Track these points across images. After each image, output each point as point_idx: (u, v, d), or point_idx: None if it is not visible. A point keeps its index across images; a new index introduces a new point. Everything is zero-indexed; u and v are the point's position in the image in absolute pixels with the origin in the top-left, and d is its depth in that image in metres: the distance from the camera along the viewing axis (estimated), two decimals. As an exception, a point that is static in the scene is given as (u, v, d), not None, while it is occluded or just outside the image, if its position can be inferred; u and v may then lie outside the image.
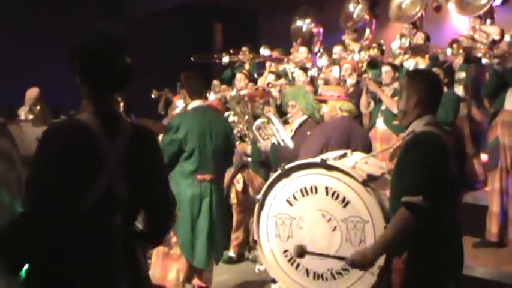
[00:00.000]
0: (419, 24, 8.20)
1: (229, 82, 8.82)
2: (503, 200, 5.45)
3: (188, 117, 4.47)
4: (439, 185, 2.72)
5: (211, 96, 8.00)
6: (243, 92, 6.20)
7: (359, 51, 7.38)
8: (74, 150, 2.00)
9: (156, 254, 4.52)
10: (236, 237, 6.23)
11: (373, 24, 8.32)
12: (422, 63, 7.00)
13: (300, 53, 8.38)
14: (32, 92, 6.73)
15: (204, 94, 5.10)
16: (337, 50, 8.01)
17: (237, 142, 5.78)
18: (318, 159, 3.88)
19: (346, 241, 3.69)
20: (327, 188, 3.78)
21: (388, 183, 3.58)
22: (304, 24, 9.29)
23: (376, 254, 2.86)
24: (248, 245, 6.30)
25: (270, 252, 4.06)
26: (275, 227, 4.00)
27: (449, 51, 6.52)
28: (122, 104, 6.93)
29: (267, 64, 8.81)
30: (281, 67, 8.65)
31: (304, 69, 7.69)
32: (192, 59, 9.13)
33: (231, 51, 9.16)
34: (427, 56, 7.22)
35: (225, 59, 9.11)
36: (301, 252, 3.45)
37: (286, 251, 3.97)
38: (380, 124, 6.46)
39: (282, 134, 5.34)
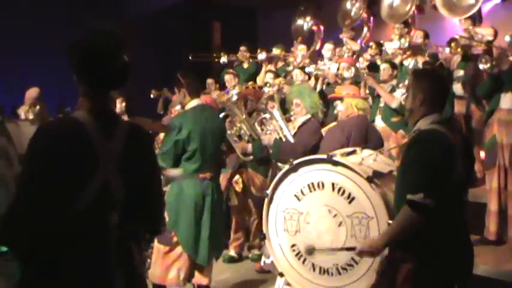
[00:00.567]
0: (412, 22, 8.18)
1: None
2: (502, 199, 5.45)
3: (189, 117, 4.48)
4: (443, 183, 2.73)
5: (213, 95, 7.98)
6: (235, 92, 6.19)
7: (399, 39, 7.26)
8: (66, 146, 1.99)
9: (157, 253, 4.52)
10: (237, 237, 6.25)
11: (371, 23, 8.30)
12: (422, 62, 7.00)
13: (299, 50, 8.36)
14: (32, 92, 6.70)
15: (201, 93, 5.09)
16: (328, 47, 8.04)
17: (236, 142, 5.79)
18: (324, 155, 3.97)
19: (352, 237, 3.78)
20: (333, 184, 3.87)
21: (395, 180, 3.70)
22: (304, 22, 9.28)
23: (382, 245, 2.90)
24: (249, 243, 6.30)
25: (278, 246, 4.17)
26: (283, 221, 4.11)
27: (447, 49, 6.52)
28: (123, 104, 6.90)
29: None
30: (280, 64, 8.65)
31: (302, 68, 7.69)
32: (190, 57, 9.12)
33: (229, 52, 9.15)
34: (426, 54, 7.22)
35: (223, 59, 9.09)
36: (311, 250, 3.50)
37: (294, 245, 4.08)
38: (379, 121, 6.47)
39: (284, 131, 5.37)
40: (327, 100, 6.16)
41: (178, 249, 4.46)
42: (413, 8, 7.66)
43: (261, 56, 8.66)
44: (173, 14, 11.43)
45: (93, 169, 2.03)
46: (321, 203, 3.93)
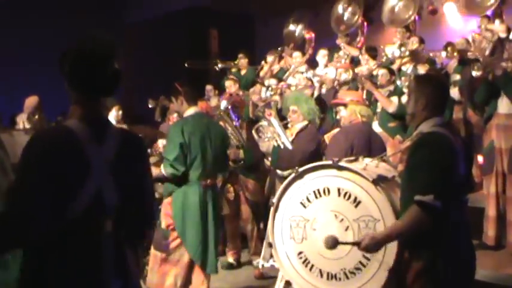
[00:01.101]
0: (413, 28, 8.20)
1: None
2: (500, 204, 5.45)
3: (189, 124, 4.49)
4: (449, 184, 2.80)
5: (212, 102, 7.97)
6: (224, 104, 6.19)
7: (399, 47, 7.29)
8: (59, 155, 1.99)
9: (154, 260, 4.51)
10: (234, 244, 6.26)
11: (364, 28, 8.30)
12: (421, 68, 7.02)
13: (294, 57, 8.36)
14: (31, 101, 6.68)
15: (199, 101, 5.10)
16: (323, 53, 8.06)
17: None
18: (329, 161, 4.02)
19: None
20: (339, 189, 3.90)
21: (399, 185, 3.71)
22: (297, 29, 9.27)
23: (385, 241, 2.96)
24: (252, 251, 6.27)
25: (285, 254, 4.17)
26: (289, 229, 4.12)
27: (443, 54, 6.55)
28: (120, 112, 6.90)
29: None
30: (276, 67, 8.64)
31: (301, 73, 7.70)
32: (186, 65, 9.12)
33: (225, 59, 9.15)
34: (424, 60, 7.24)
35: (220, 66, 9.09)
36: (334, 242, 3.48)
37: (300, 253, 4.08)
38: (376, 127, 6.47)
39: (282, 138, 5.37)
40: (323, 106, 6.16)
41: (176, 256, 4.45)
42: (415, 13, 7.71)
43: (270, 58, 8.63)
44: (170, 22, 11.45)
45: (86, 176, 2.03)
46: (327, 208, 3.94)
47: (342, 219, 3.86)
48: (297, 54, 8.32)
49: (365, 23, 8.24)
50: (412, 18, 7.73)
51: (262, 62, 8.90)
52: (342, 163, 3.94)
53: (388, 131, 6.41)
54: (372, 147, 4.81)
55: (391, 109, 6.41)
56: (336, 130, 5.52)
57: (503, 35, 6.60)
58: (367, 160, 4.17)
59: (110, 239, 2.09)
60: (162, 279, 4.46)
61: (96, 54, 2.09)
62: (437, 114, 2.99)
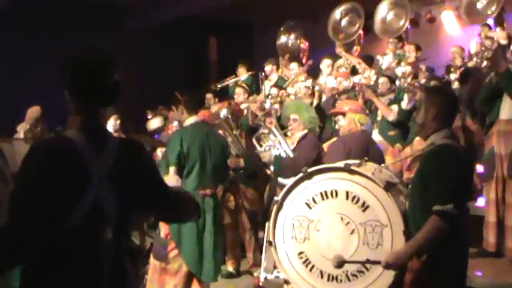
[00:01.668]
0: (405, 36, 8.21)
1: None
2: (500, 210, 5.44)
3: (188, 133, 4.50)
4: (464, 194, 2.95)
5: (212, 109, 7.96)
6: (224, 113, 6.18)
7: (397, 64, 7.29)
8: (58, 165, 1.99)
9: (153, 269, 4.50)
10: (234, 253, 6.24)
11: (361, 37, 8.30)
12: (421, 76, 7.06)
13: (292, 69, 8.34)
14: (33, 112, 6.67)
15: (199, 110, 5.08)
16: (327, 63, 8.06)
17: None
18: (341, 164, 4.02)
19: (363, 244, 3.79)
20: (347, 192, 3.89)
21: (402, 193, 3.86)
22: (289, 39, 9.22)
23: (408, 256, 2.98)
24: (252, 261, 6.25)
25: (285, 254, 4.14)
26: (292, 229, 4.10)
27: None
28: (118, 122, 6.90)
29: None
30: (274, 77, 8.63)
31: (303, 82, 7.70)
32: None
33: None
34: (424, 69, 7.27)
35: (219, 86, 9.04)
36: (341, 262, 3.50)
37: (301, 252, 4.06)
38: (376, 135, 6.48)
39: (284, 146, 5.37)
40: (322, 115, 6.17)
41: (175, 265, 4.44)
42: (407, 22, 7.71)
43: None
44: (169, 30, 11.48)
45: (85, 186, 2.02)
46: (333, 210, 3.93)
47: (348, 223, 3.85)
48: (294, 65, 8.30)
49: (362, 32, 8.24)
50: (405, 27, 7.73)
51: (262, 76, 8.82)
52: (354, 167, 3.95)
53: (388, 139, 6.42)
54: (369, 155, 4.81)
55: (391, 118, 6.42)
56: (335, 139, 5.54)
57: (503, 42, 6.62)
58: (370, 165, 4.17)
59: (110, 247, 2.08)
60: (162, 289, 4.45)
61: (98, 64, 2.09)
62: (447, 125, 3.08)
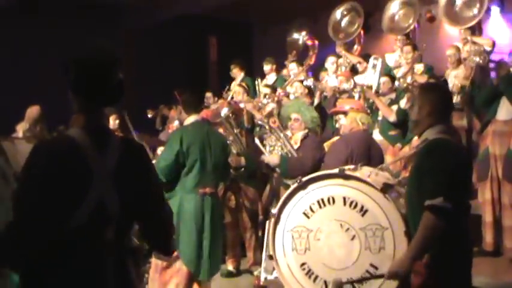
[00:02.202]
0: (412, 36, 8.22)
1: None
2: (496, 210, 5.45)
3: (188, 131, 4.50)
4: (458, 189, 2.85)
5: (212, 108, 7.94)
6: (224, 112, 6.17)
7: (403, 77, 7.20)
8: (62, 165, 2.00)
9: (154, 269, 4.49)
10: (234, 252, 6.24)
11: (361, 36, 8.31)
12: (420, 78, 7.05)
13: (291, 69, 8.34)
14: (33, 111, 6.65)
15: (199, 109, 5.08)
16: (332, 60, 8.06)
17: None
18: (335, 170, 3.96)
19: (366, 249, 3.74)
20: (344, 198, 3.84)
21: (400, 193, 3.79)
22: (300, 36, 9.28)
23: (411, 259, 2.91)
24: (252, 260, 6.25)
25: (287, 266, 4.08)
26: (291, 240, 4.04)
27: None
28: (117, 121, 6.90)
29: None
30: (272, 76, 8.63)
31: (301, 81, 7.71)
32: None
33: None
34: (422, 69, 7.26)
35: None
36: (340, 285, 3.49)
37: (303, 264, 3.99)
38: (376, 135, 6.49)
39: (288, 146, 5.36)
40: (323, 114, 6.16)
41: (177, 265, 4.44)
42: (415, 21, 7.74)
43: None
44: (169, 29, 11.47)
45: (88, 185, 2.03)
46: (331, 218, 3.88)
47: (348, 229, 3.80)
48: (293, 66, 8.30)
49: (362, 31, 8.25)
50: (412, 26, 7.75)
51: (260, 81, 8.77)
52: (348, 172, 3.91)
53: (388, 139, 6.43)
54: (371, 155, 4.81)
55: (392, 118, 6.43)
56: (336, 138, 5.53)
57: (488, 48, 6.64)
58: (366, 169, 4.15)
59: (111, 247, 2.09)
60: (163, 288, 4.46)
61: (102, 63, 2.10)
62: (442, 121, 3.04)
